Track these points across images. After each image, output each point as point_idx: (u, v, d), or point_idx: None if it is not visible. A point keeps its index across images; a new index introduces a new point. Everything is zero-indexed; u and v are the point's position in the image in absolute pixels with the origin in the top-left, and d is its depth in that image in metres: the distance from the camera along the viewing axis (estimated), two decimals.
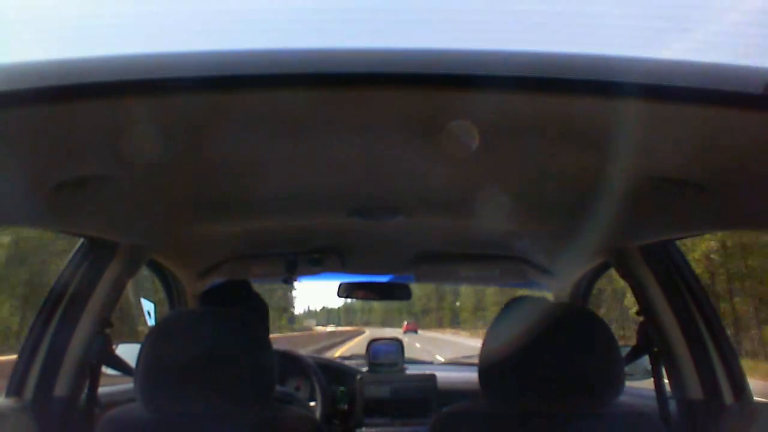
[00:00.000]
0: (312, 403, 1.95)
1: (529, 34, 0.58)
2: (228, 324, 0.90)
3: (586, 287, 1.91)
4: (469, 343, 19.30)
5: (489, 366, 0.88)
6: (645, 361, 1.40)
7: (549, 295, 1.99)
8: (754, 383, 1.40)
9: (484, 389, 0.89)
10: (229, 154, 0.88)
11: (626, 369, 1.21)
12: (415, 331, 38.37)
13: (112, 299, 1.34)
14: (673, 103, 0.58)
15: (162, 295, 1.92)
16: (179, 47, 0.56)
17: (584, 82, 0.56)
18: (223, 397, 0.85)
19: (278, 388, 1.46)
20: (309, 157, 0.90)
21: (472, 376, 1.13)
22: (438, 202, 1.28)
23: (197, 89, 0.58)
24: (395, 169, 0.99)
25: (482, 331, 1.16)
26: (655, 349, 1.34)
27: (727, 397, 1.25)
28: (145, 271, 1.76)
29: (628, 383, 0.91)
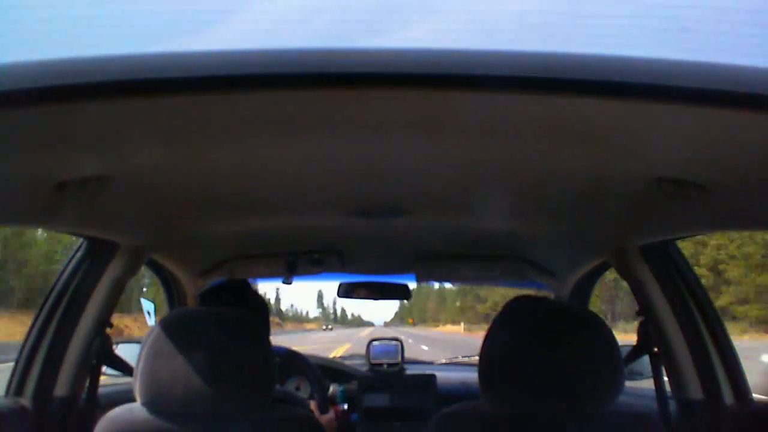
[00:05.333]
0: (312, 403, 1.96)
1: (529, 34, 0.58)
2: (228, 324, 0.90)
3: (586, 287, 1.91)
4: None
5: (489, 366, 0.88)
6: (645, 361, 1.40)
7: (549, 295, 1.99)
8: None
9: (483, 389, 0.89)
10: (229, 154, 0.87)
11: (627, 369, 1.22)
12: None
13: (112, 299, 1.34)
14: (674, 103, 0.58)
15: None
16: (179, 47, 0.56)
17: (584, 82, 0.56)
18: (223, 397, 0.85)
19: (278, 388, 1.46)
20: (309, 157, 0.90)
21: (471, 376, 1.13)
22: (438, 202, 1.28)
23: (197, 89, 0.58)
24: (395, 169, 0.99)
25: None
26: (655, 349, 1.34)
27: (727, 397, 1.25)
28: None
29: (628, 383, 0.91)
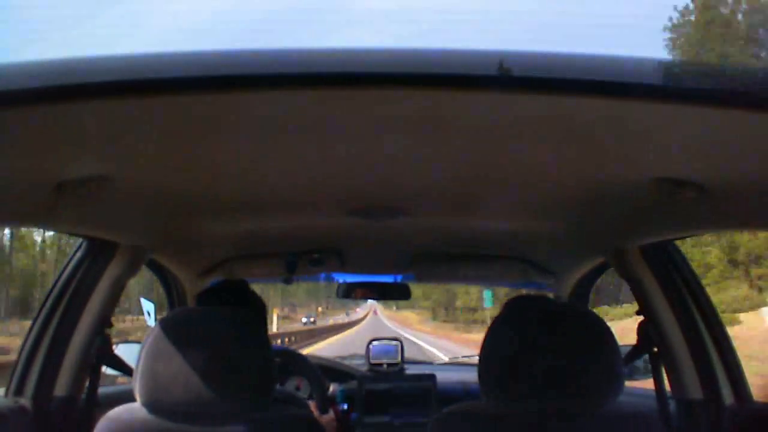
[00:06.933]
0: (312, 404, 1.96)
1: (529, 34, 0.58)
2: (228, 324, 0.90)
3: (586, 287, 1.91)
4: None
5: (489, 366, 0.88)
6: (645, 361, 1.40)
7: (549, 295, 1.99)
8: None
9: (483, 389, 0.89)
10: (229, 154, 0.87)
11: (626, 369, 1.21)
12: None
13: (112, 299, 1.34)
14: (674, 104, 0.58)
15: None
16: (179, 47, 0.56)
17: (584, 82, 0.56)
18: (223, 396, 0.85)
19: (278, 388, 1.46)
20: (309, 157, 0.90)
21: (471, 376, 1.13)
22: (438, 202, 1.28)
23: (197, 89, 0.58)
24: (395, 169, 0.99)
25: None
26: (655, 349, 1.34)
27: (727, 397, 1.25)
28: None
29: (628, 383, 0.91)
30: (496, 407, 0.87)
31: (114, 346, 1.41)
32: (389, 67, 0.55)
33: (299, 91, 0.60)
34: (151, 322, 2.34)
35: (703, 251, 18.45)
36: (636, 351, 1.38)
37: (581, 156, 0.85)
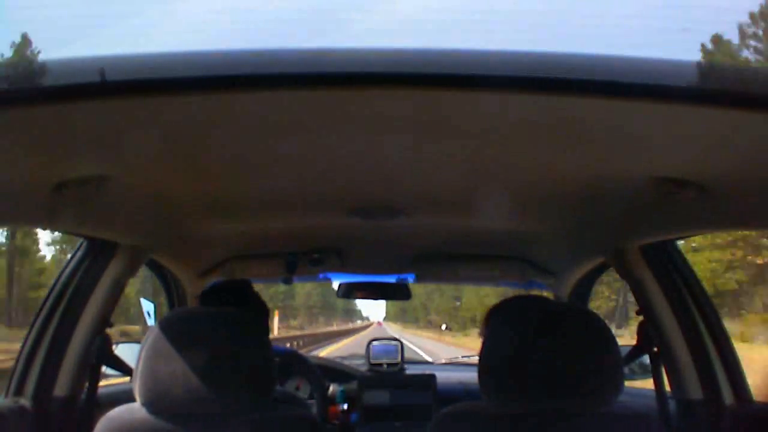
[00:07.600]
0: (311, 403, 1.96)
1: (529, 34, 0.58)
2: (228, 324, 0.90)
3: (586, 287, 1.91)
4: None
5: (489, 366, 0.88)
6: (645, 361, 1.40)
7: (549, 295, 1.99)
8: None
9: (484, 389, 0.89)
10: (229, 154, 0.87)
11: (626, 369, 1.21)
12: None
13: (112, 299, 1.34)
14: (673, 103, 0.58)
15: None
16: (179, 47, 0.56)
17: (584, 82, 0.56)
18: (223, 397, 0.85)
19: (278, 388, 1.46)
20: (309, 157, 0.90)
21: (471, 375, 1.13)
22: (438, 202, 1.28)
23: (197, 89, 0.58)
24: (395, 169, 0.99)
25: None
26: (655, 349, 1.34)
27: (727, 397, 1.25)
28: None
29: (627, 383, 0.91)
30: (496, 407, 0.87)
31: (114, 346, 1.41)
32: (389, 67, 0.55)
33: (299, 92, 0.60)
34: (151, 322, 2.34)
35: None
36: (636, 351, 1.38)
37: (581, 156, 0.85)
